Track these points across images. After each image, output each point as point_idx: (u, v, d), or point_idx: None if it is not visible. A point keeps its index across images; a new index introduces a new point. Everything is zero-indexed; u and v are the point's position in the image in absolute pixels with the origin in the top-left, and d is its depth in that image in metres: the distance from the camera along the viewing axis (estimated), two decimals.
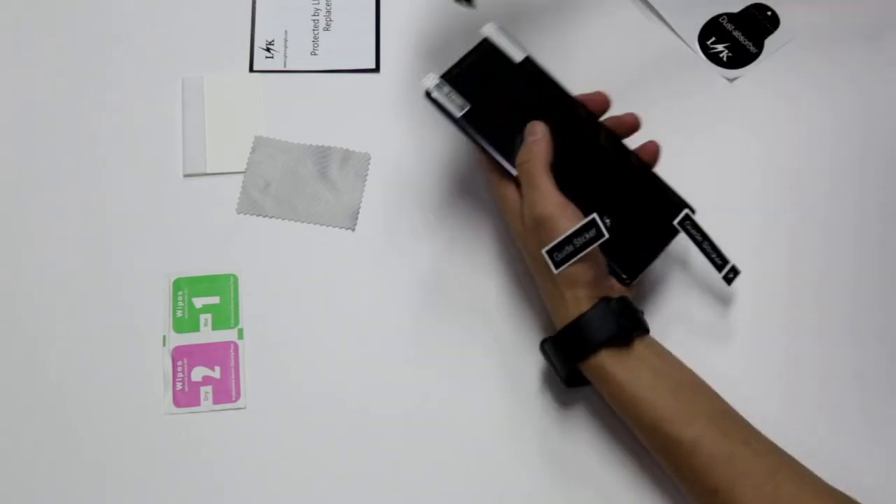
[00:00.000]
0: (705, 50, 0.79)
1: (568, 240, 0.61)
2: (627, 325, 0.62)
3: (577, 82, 0.70)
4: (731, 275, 0.67)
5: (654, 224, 0.67)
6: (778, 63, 0.79)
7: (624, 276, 0.65)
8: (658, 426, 0.60)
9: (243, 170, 0.74)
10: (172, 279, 0.71)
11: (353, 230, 0.73)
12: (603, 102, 0.69)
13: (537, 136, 0.65)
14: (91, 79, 0.77)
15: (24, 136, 0.75)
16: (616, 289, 0.65)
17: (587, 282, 0.62)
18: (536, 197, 0.63)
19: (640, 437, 0.63)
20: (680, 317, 0.70)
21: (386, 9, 0.80)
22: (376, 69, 0.78)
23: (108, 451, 0.66)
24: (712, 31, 0.80)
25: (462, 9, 0.69)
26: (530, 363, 0.68)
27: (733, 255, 0.67)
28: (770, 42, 0.79)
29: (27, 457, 0.66)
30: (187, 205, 0.73)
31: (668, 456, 0.61)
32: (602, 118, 0.69)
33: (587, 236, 0.61)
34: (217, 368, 0.68)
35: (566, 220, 0.62)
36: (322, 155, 0.75)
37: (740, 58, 0.79)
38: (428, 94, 0.66)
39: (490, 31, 0.66)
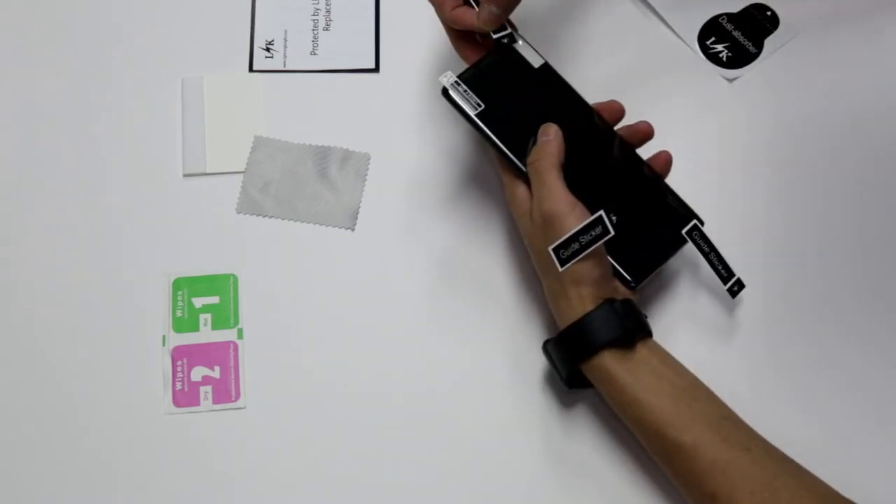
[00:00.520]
0: (705, 50, 0.79)
1: (574, 237, 0.62)
2: (631, 328, 0.62)
3: (576, 82, 0.70)
4: (736, 287, 0.67)
5: (663, 232, 0.67)
6: (778, 63, 0.79)
7: (630, 280, 0.65)
8: (658, 429, 0.60)
9: (243, 170, 0.74)
10: (172, 279, 0.71)
11: (353, 230, 0.73)
12: (618, 111, 0.69)
13: (550, 137, 0.65)
14: (91, 79, 0.77)
15: (25, 136, 0.75)
16: (621, 291, 0.65)
17: (592, 281, 0.62)
18: (545, 194, 0.63)
19: (640, 440, 0.63)
20: (685, 320, 0.70)
21: (386, 9, 0.80)
22: (376, 69, 0.78)
23: (108, 451, 0.66)
24: (712, 31, 0.80)
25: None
26: (533, 364, 0.68)
27: (734, 256, 0.67)
28: (770, 42, 0.79)
29: (27, 456, 0.66)
30: (187, 205, 0.73)
31: (668, 460, 0.61)
32: (616, 127, 0.69)
33: (593, 233, 0.61)
34: (217, 368, 0.68)
35: (574, 218, 0.62)
36: (322, 155, 0.75)
37: (740, 58, 0.79)
38: (445, 92, 0.67)
39: (447, 81, 0.67)
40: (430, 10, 0.69)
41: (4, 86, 0.77)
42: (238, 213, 0.73)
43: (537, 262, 0.66)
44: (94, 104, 0.76)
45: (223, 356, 0.69)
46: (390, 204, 0.74)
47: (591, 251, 0.62)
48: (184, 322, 0.69)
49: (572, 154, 0.66)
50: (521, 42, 0.69)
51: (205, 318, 0.70)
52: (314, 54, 0.79)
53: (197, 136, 0.75)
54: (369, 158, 0.75)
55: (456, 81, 0.67)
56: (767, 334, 0.70)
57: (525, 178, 0.66)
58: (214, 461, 0.66)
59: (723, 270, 0.67)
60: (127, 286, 0.70)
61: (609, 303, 0.62)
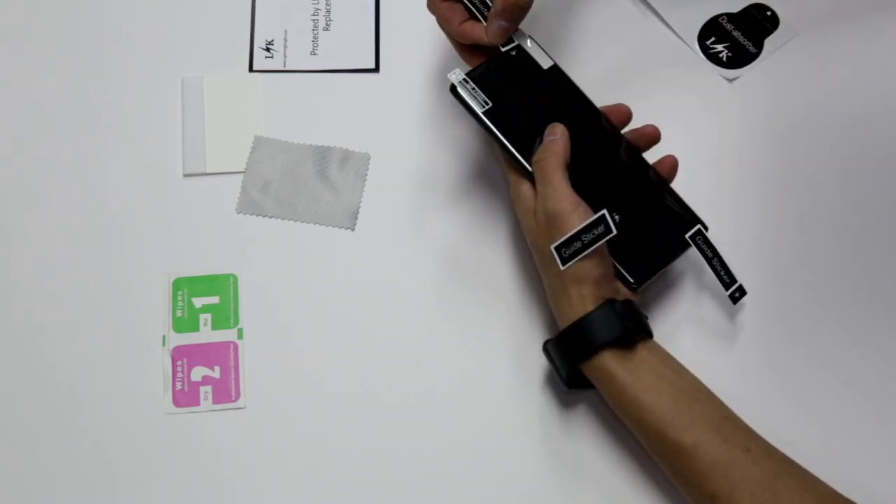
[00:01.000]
0: (705, 50, 0.79)
1: (576, 236, 0.62)
2: (631, 328, 0.62)
3: (576, 82, 0.70)
4: (738, 294, 0.67)
5: (666, 236, 0.67)
6: (778, 63, 0.79)
7: (632, 282, 0.65)
8: (658, 430, 0.60)
9: (243, 170, 0.74)
10: (172, 279, 0.71)
11: (353, 230, 0.73)
12: (625, 114, 0.69)
13: (556, 136, 0.66)
14: (91, 79, 0.77)
15: (25, 136, 0.75)
16: (622, 292, 0.65)
17: (594, 280, 0.62)
18: (550, 192, 0.63)
19: (640, 440, 0.63)
20: (688, 323, 0.70)
21: (386, 9, 0.80)
22: (376, 69, 0.78)
23: (108, 451, 0.66)
24: (712, 31, 0.80)
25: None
26: (534, 364, 0.68)
27: (733, 257, 0.67)
28: (770, 42, 0.79)
29: (27, 456, 0.66)
30: (187, 205, 0.73)
31: (668, 460, 0.61)
32: (623, 130, 0.69)
33: (596, 232, 0.61)
34: (217, 368, 0.68)
35: (577, 217, 0.62)
36: (322, 155, 0.75)
37: (740, 58, 0.79)
38: (453, 89, 0.67)
39: (455, 78, 0.67)
40: None
41: (4, 86, 0.77)
42: (238, 213, 0.73)
43: (539, 260, 0.66)
44: (94, 104, 0.76)
45: (223, 356, 0.69)
46: (390, 204, 0.74)
47: (593, 251, 0.62)
48: (184, 322, 0.69)
49: (578, 155, 0.66)
50: (530, 43, 0.69)
51: (205, 318, 0.70)
52: (314, 54, 0.79)
53: (197, 136, 0.75)
54: (369, 158, 0.75)
55: (464, 79, 0.67)
56: (769, 337, 0.69)
57: (530, 176, 0.66)
58: (214, 461, 0.66)
59: (725, 276, 0.67)
60: (127, 286, 0.70)
61: (610, 303, 0.62)
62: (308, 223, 0.73)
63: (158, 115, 0.76)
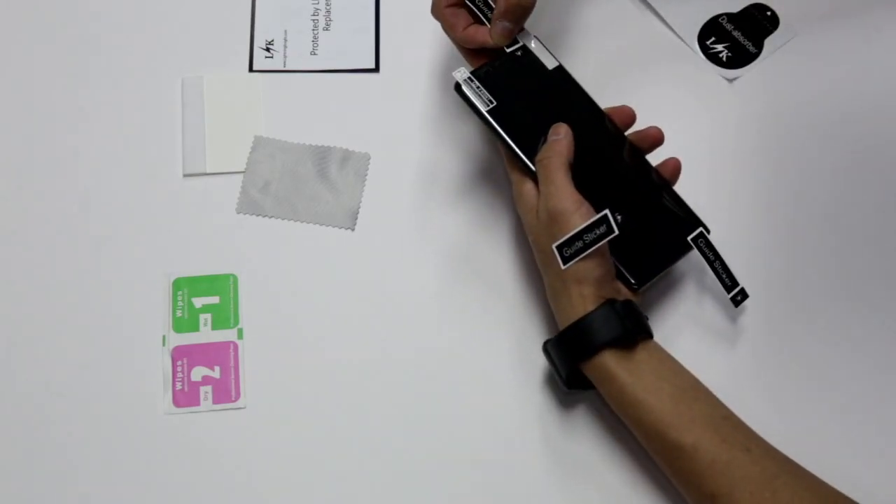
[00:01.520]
0: (705, 50, 0.79)
1: (578, 235, 0.62)
2: (631, 328, 0.62)
3: (578, 83, 0.70)
4: (740, 297, 0.68)
5: (668, 237, 0.68)
6: (778, 63, 0.79)
7: (633, 283, 0.65)
8: (658, 430, 0.60)
9: (243, 169, 0.74)
10: (172, 279, 0.71)
11: (353, 230, 0.73)
12: (629, 116, 0.69)
13: (560, 136, 0.66)
14: (91, 79, 0.77)
15: (24, 136, 0.75)
16: (623, 293, 0.65)
17: (594, 280, 0.62)
18: (553, 191, 0.63)
19: (640, 440, 0.63)
20: (689, 325, 0.70)
21: (386, 9, 0.80)
22: (376, 69, 0.78)
23: (108, 451, 0.66)
24: (712, 31, 0.80)
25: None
26: (535, 364, 0.68)
27: (733, 257, 0.67)
28: (770, 42, 0.79)
29: (27, 456, 0.66)
30: (187, 205, 0.73)
31: (668, 460, 0.61)
32: (627, 132, 0.69)
33: (597, 232, 0.61)
34: (217, 368, 0.68)
35: (579, 216, 0.62)
36: (321, 155, 0.75)
37: (740, 58, 0.79)
38: (457, 87, 0.67)
39: (460, 77, 0.67)
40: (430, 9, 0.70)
41: (4, 85, 0.77)
42: (238, 213, 0.73)
43: (541, 259, 0.66)
44: (94, 104, 0.76)
45: (223, 356, 0.69)
46: (390, 204, 0.74)
47: (595, 251, 0.62)
48: (184, 322, 0.69)
49: (582, 155, 0.66)
50: (534, 44, 0.69)
51: (205, 318, 0.70)
52: (314, 54, 0.79)
53: (197, 136, 0.75)
54: (369, 158, 0.75)
55: (469, 77, 0.67)
56: (771, 340, 0.69)
57: (533, 175, 0.66)
58: (214, 461, 0.66)
59: (727, 279, 0.67)
60: (127, 286, 0.70)
61: (610, 303, 0.62)
62: (308, 223, 0.73)
63: (158, 115, 0.76)
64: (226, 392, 0.68)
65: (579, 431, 0.67)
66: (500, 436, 0.67)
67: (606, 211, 0.62)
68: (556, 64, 0.70)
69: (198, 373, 0.68)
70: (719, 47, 0.79)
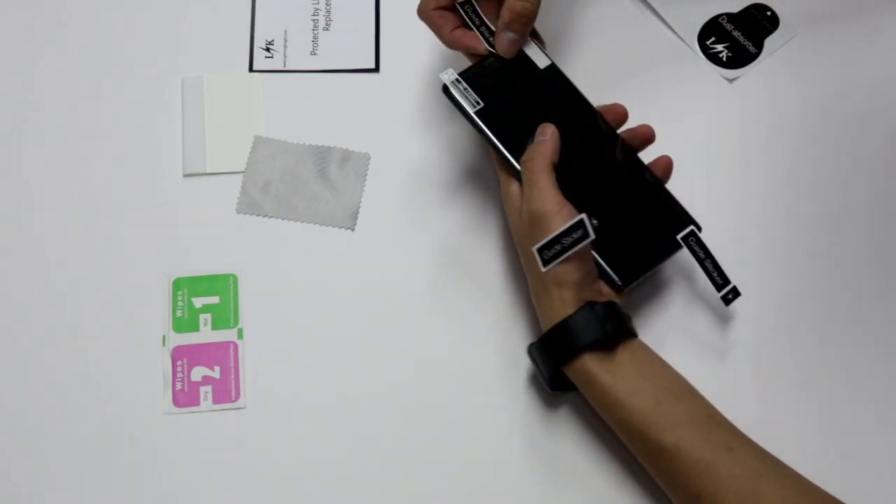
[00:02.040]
0: (705, 50, 0.79)
1: (557, 239, 0.62)
2: (612, 331, 0.62)
3: (575, 82, 0.70)
4: (731, 296, 0.67)
5: (658, 237, 0.67)
6: (778, 63, 0.79)
7: (618, 282, 0.65)
8: (640, 430, 0.60)
9: (243, 169, 0.74)
10: (172, 279, 0.71)
11: (353, 230, 0.73)
12: (621, 114, 0.69)
13: (546, 137, 0.65)
14: (91, 79, 0.77)
15: (24, 136, 0.75)
16: (605, 293, 0.65)
17: (573, 283, 0.62)
18: (535, 193, 0.63)
19: (624, 441, 0.63)
20: (679, 328, 0.69)
21: (386, 9, 0.80)
22: (376, 69, 0.78)
23: (108, 451, 0.66)
24: (712, 31, 0.80)
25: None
26: (520, 365, 0.68)
27: (732, 258, 0.67)
28: (770, 42, 0.79)
29: (27, 456, 0.66)
30: (187, 205, 0.73)
31: (652, 460, 0.61)
32: (619, 130, 0.69)
33: (574, 236, 0.61)
34: (217, 368, 0.68)
35: (560, 219, 0.62)
36: (322, 155, 0.75)
37: (740, 58, 0.79)
38: (445, 89, 0.67)
39: (447, 78, 0.67)
40: None
41: (4, 85, 0.77)
42: (238, 213, 0.73)
43: (524, 261, 0.66)
44: (94, 104, 0.76)
45: (223, 356, 0.69)
46: (390, 204, 0.74)
47: (574, 254, 0.61)
48: (184, 322, 0.69)
49: (570, 155, 0.65)
50: (527, 42, 0.69)
51: (205, 318, 0.70)
52: (314, 54, 0.79)
53: (197, 136, 0.75)
54: (369, 158, 0.75)
55: (457, 79, 0.67)
56: (762, 343, 0.69)
57: (520, 177, 0.66)
58: (214, 461, 0.66)
59: (718, 278, 0.67)
60: (127, 286, 0.70)
61: (590, 305, 0.62)
62: (308, 223, 0.73)
63: (158, 115, 0.76)
64: (226, 392, 0.68)
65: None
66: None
67: (583, 215, 0.61)
68: (549, 63, 0.69)
69: (198, 373, 0.68)
70: (719, 47, 0.79)
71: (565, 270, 0.62)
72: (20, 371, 0.68)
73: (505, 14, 0.66)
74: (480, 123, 0.67)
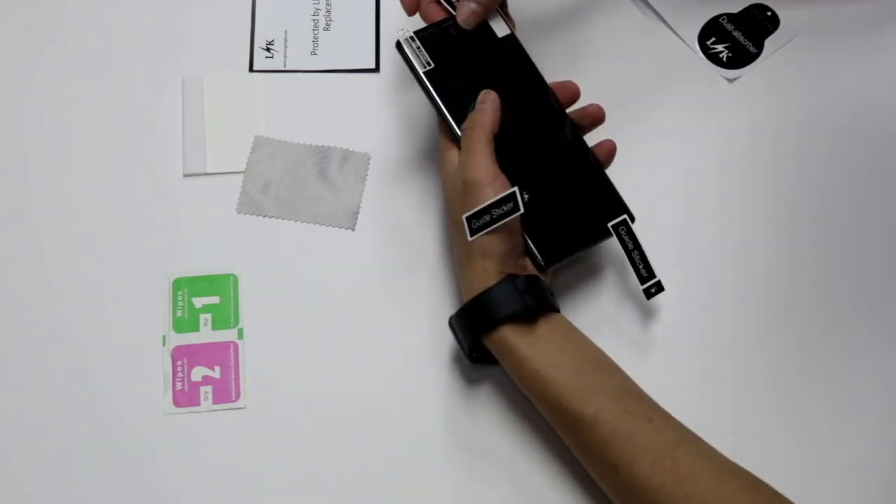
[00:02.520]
0: (705, 50, 0.79)
1: (487, 209, 0.61)
2: (533, 304, 0.62)
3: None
4: (654, 290, 0.66)
5: (589, 221, 0.66)
6: (778, 63, 0.79)
7: (540, 261, 0.65)
8: (559, 402, 0.60)
9: (243, 170, 0.74)
10: (172, 279, 0.71)
11: (353, 230, 0.73)
12: (572, 92, 0.68)
13: (486, 105, 0.65)
14: (91, 79, 0.77)
15: (24, 136, 0.75)
16: (528, 269, 0.64)
17: (498, 255, 0.62)
18: (471, 161, 0.63)
19: (543, 413, 0.63)
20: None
21: (386, 9, 0.80)
22: (376, 69, 0.78)
23: (108, 451, 0.66)
24: (712, 32, 0.80)
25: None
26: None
27: (731, 257, 0.67)
28: (770, 42, 0.79)
29: (27, 456, 0.66)
30: (187, 205, 0.73)
31: (570, 432, 0.61)
32: (569, 109, 0.68)
33: (504, 209, 0.61)
34: (217, 368, 0.68)
35: (492, 189, 0.62)
36: (322, 155, 0.75)
37: (740, 58, 0.79)
38: (398, 45, 0.67)
39: (401, 36, 0.67)
40: None
41: (4, 85, 0.77)
42: (238, 213, 0.73)
43: (453, 229, 0.66)
44: (94, 104, 0.76)
45: (223, 356, 0.69)
46: (390, 204, 0.74)
47: (502, 226, 0.61)
48: (184, 322, 0.69)
49: (513, 127, 0.65)
50: (494, 12, 0.68)
51: (205, 318, 0.70)
52: (314, 54, 0.79)
53: (197, 136, 0.75)
54: (369, 158, 0.75)
55: (411, 37, 0.67)
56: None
57: (459, 143, 0.66)
58: (214, 461, 0.66)
59: (643, 270, 0.66)
60: (127, 286, 0.70)
61: (511, 278, 0.62)
62: (308, 223, 0.73)
63: (158, 115, 0.76)
64: (226, 392, 0.68)
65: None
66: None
67: (515, 188, 0.61)
68: (508, 32, 0.69)
69: (198, 373, 0.68)
70: (719, 47, 0.79)
71: (491, 241, 0.62)
72: (20, 371, 0.68)
73: None
74: (428, 84, 0.66)
